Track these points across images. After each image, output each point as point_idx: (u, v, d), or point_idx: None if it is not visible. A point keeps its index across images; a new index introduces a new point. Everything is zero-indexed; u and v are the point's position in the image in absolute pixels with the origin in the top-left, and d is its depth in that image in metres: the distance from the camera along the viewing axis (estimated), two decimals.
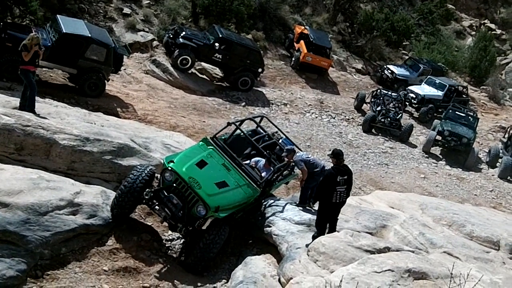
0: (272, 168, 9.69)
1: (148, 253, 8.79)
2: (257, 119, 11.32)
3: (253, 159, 9.89)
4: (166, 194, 8.52)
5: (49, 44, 13.73)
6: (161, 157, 10.86)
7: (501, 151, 19.50)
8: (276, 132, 11.51)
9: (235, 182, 8.95)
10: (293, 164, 9.89)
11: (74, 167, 9.60)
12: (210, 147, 9.30)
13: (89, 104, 14.40)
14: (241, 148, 10.11)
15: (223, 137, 9.92)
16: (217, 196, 8.56)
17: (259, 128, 11.06)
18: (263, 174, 9.59)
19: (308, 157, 9.85)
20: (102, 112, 13.28)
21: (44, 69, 14.50)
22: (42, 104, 11.29)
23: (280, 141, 10.90)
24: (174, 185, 8.52)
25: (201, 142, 9.57)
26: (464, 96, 23.81)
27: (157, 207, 8.57)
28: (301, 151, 11.21)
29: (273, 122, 11.84)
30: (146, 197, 8.58)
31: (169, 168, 8.63)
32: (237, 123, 10.20)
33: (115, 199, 8.68)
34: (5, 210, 7.63)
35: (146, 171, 8.74)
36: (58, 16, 14.80)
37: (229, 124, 10.06)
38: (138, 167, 8.91)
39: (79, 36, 14.15)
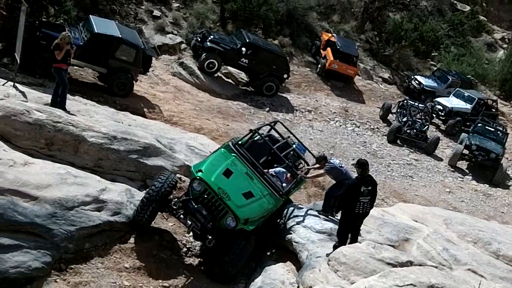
0: (294, 179, 9.52)
1: (169, 253, 8.86)
2: (272, 125, 11.12)
3: (273, 170, 9.70)
4: (194, 204, 8.34)
5: (81, 43, 14.00)
6: (185, 159, 10.97)
7: None
8: (289, 136, 11.46)
9: (259, 192, 8.76)
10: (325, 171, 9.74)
11: (101, 164, 9.76)
12: (232, 154, 9.11)
13: (117, 103, 14.61)
14: (258, 155, 9.92)
15: (240, 142, 9.75)
16: (246, 207, 8.42)
17: (273, 134, 10.88)
18: (284, 185, 9.46)
19: (341, 166, 9.74)
20: (129, 112, 13.44)
21: (75, 67, 14.79)
22: (72, 102, 11.51)
23: (294, 146, 10.74)
24: (205, 196, 8.36)
25: (223, 149, 9.38)
26: (493, 110, 23.32)
27: (182, 216, 8.42)
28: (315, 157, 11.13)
29: (287, 127, 11.78)
30: (175, 207, 8.43)
31: (198, 178, 8.48)
32: (258, 131, 10.01)
33: (140, 208, 8.55)
34: (33, 203, 7.80)
35: (169, 180, 8.62)
36: (90, 16, 15.12)
37: (251, 131, 9.94)
38: (162, 175, 8.76)
39: (110, 36, 14.40)
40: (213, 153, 9.73)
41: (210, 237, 8.30)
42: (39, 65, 13.49)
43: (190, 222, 8.33)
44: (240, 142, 9.68)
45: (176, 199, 8.55)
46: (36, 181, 8.12)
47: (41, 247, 7.50)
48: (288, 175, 9.69)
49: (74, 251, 7.93)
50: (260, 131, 10.25)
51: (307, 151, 11.16)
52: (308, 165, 10.50)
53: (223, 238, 8.46)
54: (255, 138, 10.22)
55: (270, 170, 9.62)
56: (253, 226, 8.42)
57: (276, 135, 10.95)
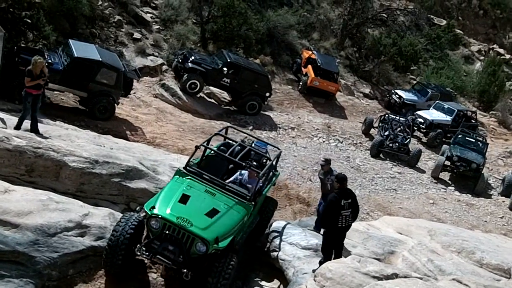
0: (257, 177, 9.06)
1: (155, 276, 8.73)
2: (223, 131, 10.91)
3: (235, 176, 9.40)
4: (158, 243, 7.78)
5: (60, 68, 13.97)
6: (169, 180, 10.84)
7: None
8: (246, 137, 11.29)
9: (225, 205, 8.37)
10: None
11: (83, 189, 9.67)
12: (186, 178, 8.64)
13: (99, 127, 14.55)
14: (219, 167, 9.59)
15: (195, 162, 9.40)
16: (212, 226, 7.94)
17: (228, 140, 10.66)
18: (249, 186, 9.11)
19: None
20: (111, 135, 13.36)
21: (55, 92, 14.72)
22: (53, 127, 11.43)
23: (253, 145, 10.57)
24: (166, 232, 7.76)
25: (175, 176, 8.79)
26: (473, 121, 23.70)
27: (152, 258, 7.87)
28: (278, 149, 11.11)
29: (238, 128, 11.61)
30: (138, 253, 7.88)
31: (153, 215, 7.89)
32: (205, 143, 9.61)
33: (105, 257, 8.00)
34: (14, 230, 7.67)
35: (129, 224, 7.94)
36: (70, 40, 15.11)
37: (197, 147, 9.42)
38: (121, 220, 8.08)
39: (90, 60, 14.38)
40: (167, 184, 9.17)
41: (185, 270, 7.76)
42: (18, 91, 13.00)
43: (163, 263, 7.84)
44: (195, 162, 9.39)
45: (138, 245, 7.98)
46: (17, 209, 7.99)
47: (24, 276, 7.36)
48: (254, 175, 9.24)
49: (58, 278, 7.78)
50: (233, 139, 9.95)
51: (268, 145, 11.13)
52: (270, 159, 10.33)
53: (203, 264, 8.00)
54: (211, 153, 9.94)
55: (230, 178, 9.34)
56: (226, 243, 7.96)
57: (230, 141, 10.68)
